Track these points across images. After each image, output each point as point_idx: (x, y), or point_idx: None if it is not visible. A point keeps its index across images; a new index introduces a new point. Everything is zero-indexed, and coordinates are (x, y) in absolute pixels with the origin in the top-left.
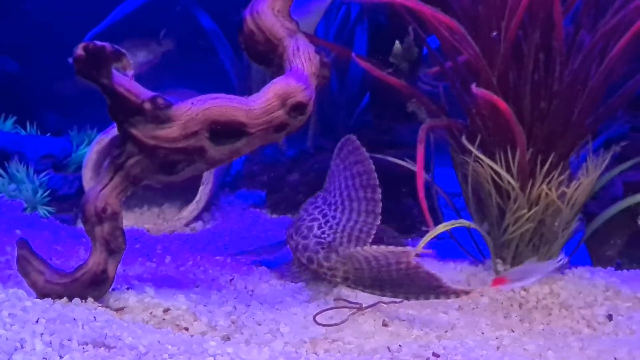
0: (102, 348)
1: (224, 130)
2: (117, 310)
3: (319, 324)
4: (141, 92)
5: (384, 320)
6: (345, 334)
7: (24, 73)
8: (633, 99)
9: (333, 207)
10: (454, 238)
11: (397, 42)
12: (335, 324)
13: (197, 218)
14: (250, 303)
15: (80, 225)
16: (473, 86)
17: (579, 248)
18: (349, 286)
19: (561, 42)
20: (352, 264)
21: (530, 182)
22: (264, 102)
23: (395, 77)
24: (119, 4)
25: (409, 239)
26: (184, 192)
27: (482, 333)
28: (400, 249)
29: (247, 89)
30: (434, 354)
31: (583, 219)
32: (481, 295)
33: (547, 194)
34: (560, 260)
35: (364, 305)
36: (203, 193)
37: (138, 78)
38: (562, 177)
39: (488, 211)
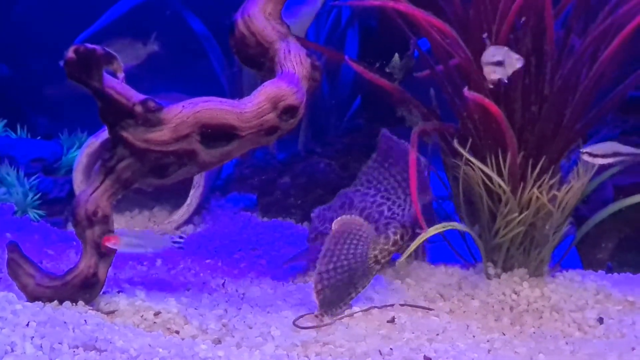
0: (93, 351)
1: (215, 134)
2: (108, 313)
3: (300, 328)
4: (132, 95)
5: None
6: (337, 337)
7: (14, 76)
8: (623, 103)
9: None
10: (447, 241)
11: (396, 54)
12: (316, 326)
13: (187, 221)
14: (242, 306)
15: (70, 228)
16: (465, 89)
17: (569, 251)
18: None
19: (552, 46)
20: None
21: (521, 186)
22: (255, 105)
23: (387, 80)
24: (109, 8)
25: None
26: (175, 196)
27: (474, 336)
28: None
29: (238, 92)
30: (425, 357)
31: (574, 222)
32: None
33: (538, 197)
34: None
35: (356, 309)
36: (194, 196)
37: (128, 80)
38: (553, 181)
39: (479, 214)
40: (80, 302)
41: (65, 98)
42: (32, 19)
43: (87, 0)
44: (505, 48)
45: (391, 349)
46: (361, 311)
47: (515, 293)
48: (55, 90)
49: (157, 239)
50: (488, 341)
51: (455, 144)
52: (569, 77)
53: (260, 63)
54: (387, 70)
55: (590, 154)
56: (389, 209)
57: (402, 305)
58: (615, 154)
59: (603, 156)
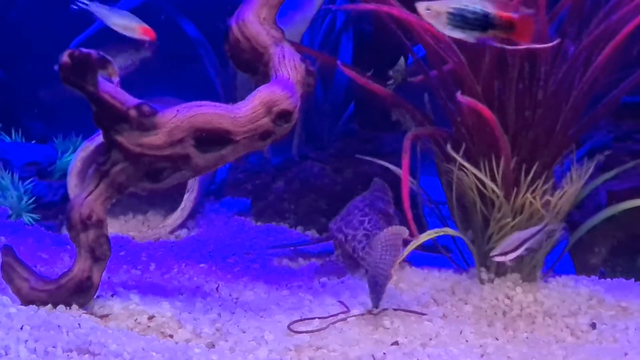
0: (87, 355)
1: (210, 138)
2: (102, 317)
3: (295, 332)
4: (127, 100)
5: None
6: (330, 341)
7: (8, 80)
8: (616, 108)
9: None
10: (438, 246)
11: (402, 58)
12: (312, 331)
13: (181, 226)
14: (235, 311)
15: (65, 232)
16: (458, 94)
17: (563, 257)
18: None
19: (546, 52)
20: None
21: (515, 191)
22: (249, 110)
23: (381, 85)
24: None
25: None
26: (169, 200)
27: (466, 341)
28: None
29: (232, 97)
30: None
31: (567, 227)
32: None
33: (531, 202)
34: None
35: (349, 313)
36: (188, 201)
37: (122, 84)
38: (546, 186)
39: (472, 220)
40: (74, 306)
41: (60, 102)
42: (27, 22)
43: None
44: None
45: (384, 353)
46: (355, 316)
47: (509, 298)
48: (49, 94)
49: None
50: (481, 346)
51: (449, 149)
52: (563, 83)
53: (255, 68)
54: (390, 73)
55: (501, 254)
56: (369, 222)
57: (395, 310)
58: (523, 242)
59: (513, 251)
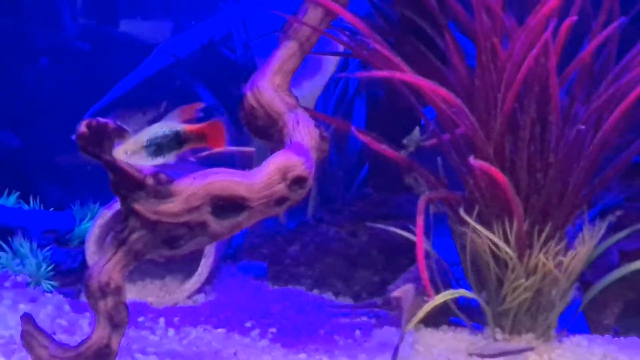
0: None
1: (226, 205)
2: None
3: None
4: (143, 168)
5: None
6: None
7: (25, 147)
8: (627, 169)
9: None
10: (453, 308)
11: (417, 127)
12: None
13: (199, 290)
14: None
15: (83, 299)
16: (471, 158)
17: (576, 316)
18: None
19: (557, 115)
20: None
21: (528, 252)
22: (264, 176)
23: (394, 148)
24: (120, 79)
25: None
26: (186, 265)
27: None
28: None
29: (247, 162)
30: None
31: (580, 287)
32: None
33: (544, 263)
34: None
35: None
36: (205, 266)
37: None
38: (558, 247)
39: (486, 281)
40: None
41: (76, 167)
42: (42, 88)
43: (98, 69)
44: None
45: None
46: None
47: (523, 358)
48: (66, 159)
49: None
50: None
51: (462, 212)
52: (574, 145)
53: (270, 134)
54: (405, 141)
55: (479, 355)
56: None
57: None
58: (502, 354)
59: (490, 357)
